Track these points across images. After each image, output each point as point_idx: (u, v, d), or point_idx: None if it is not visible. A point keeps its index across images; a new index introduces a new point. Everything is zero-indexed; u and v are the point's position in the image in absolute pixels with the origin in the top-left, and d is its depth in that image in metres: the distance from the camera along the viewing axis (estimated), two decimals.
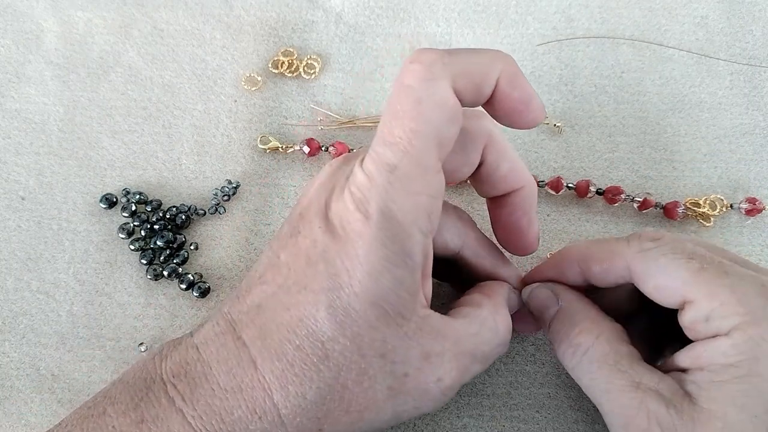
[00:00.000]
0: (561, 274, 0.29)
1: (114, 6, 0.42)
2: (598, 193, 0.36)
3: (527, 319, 0.30)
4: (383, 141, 0.23)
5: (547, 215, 0.37)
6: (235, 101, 0.40)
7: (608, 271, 0.27)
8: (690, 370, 0.25)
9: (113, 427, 0.24)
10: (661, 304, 0.26)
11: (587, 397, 0.32)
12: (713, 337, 0.24)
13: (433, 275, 0.26)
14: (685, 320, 0.25)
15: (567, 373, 0.32)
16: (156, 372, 0.25)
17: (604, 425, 0.31)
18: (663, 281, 0.25)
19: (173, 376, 0.24)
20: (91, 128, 0.39)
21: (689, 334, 0.25)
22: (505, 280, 0.30)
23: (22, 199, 0.37)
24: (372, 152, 0.24)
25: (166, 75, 0.41)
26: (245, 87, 0.40)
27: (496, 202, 0.29)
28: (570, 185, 0.36)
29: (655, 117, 0.39)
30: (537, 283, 0.30)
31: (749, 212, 0.36)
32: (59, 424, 0.25)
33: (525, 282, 0.31)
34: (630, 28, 0.42)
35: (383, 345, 0.24)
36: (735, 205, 0.36)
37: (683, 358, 0.25)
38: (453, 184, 0.37)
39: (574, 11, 0.43)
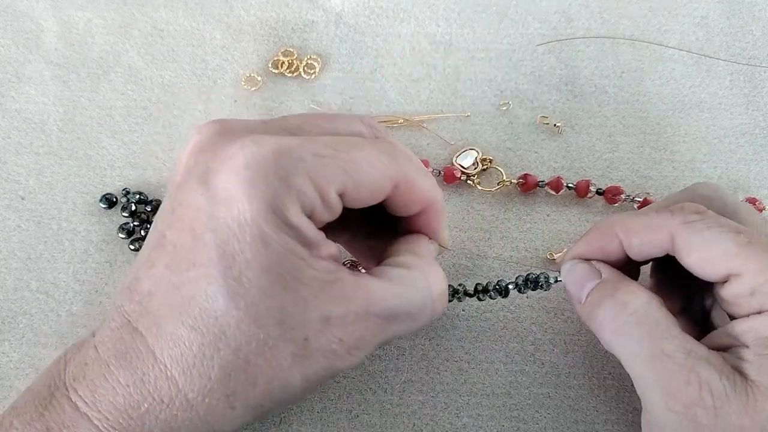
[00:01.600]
0: (600, 246, 0.28)
1: (114, 6, 0.42)
2: (598, 193, 0.36)
3: None
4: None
5: (547, 215, 0.37)
6: (235, 101, 0.40)
7: (650, 242, 0.27)
8: (733, 348, 0.24)
9: None
10: (702, 277, 0.26)
11: (587, 398, 0.32)
12: (758, 313, 0.24)
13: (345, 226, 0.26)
14: (728, 294, 0.25)
15: (566, 373, 0.32)
16: (59, 377, 0.24)
17: (604, 425, 0.31)
18: (708, 253, 0.25)
19: (74, 380, 0.23)
20: (91, 128, 0.39)
21: (729, 309, 0.25)
22: (433, 230, 0.28)
23: (22, 199, 0.37)
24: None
25: (166, 75, 0.41)
26: (245, 87, 0.40)
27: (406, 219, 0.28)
28: (570, 185, 0.36)
29: (655, 117, 0.39)
30: (575, 259, 0.29)
31: None
32: None
33: (562, 261, 0.30)
34: (630, 28, 0.42)
35: (280, 312, 0.22)
36: None
37: (724, 336, 0.25)
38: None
39: (574, 11, 0.43)
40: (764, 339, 0.23)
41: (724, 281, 0.25)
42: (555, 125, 0.39)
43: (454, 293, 0.33)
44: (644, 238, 0.27)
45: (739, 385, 0.23)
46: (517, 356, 0.33)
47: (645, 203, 0.35)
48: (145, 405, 0.23)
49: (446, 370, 0.33)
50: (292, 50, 0.41)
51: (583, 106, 0.40)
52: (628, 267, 0.29)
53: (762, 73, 0.40)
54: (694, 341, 0.25)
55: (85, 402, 0.23)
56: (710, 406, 0.23)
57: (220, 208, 0.22)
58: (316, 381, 0.24)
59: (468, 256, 0.36)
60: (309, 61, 0.41)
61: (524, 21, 0.42)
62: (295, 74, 0.41)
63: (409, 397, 0.32)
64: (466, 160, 0.37)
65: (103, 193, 0.37)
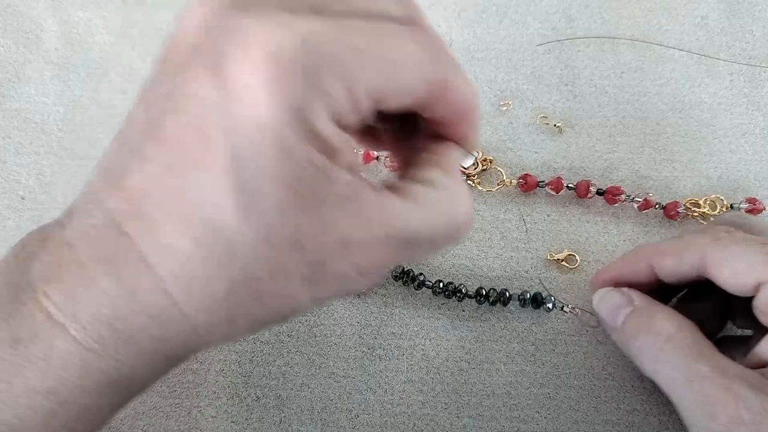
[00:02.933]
0: (632, 270, 0.30)
1: (114, 6, 0.42)
2: (599, 193, 0.36)
3: None
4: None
5: (547, 215, 0.37)
6: None
7: (681, 263, 0.28)
8: None
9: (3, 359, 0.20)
10: (734, 291, 0.27)
11: (587, 397, 0.32)
12: None
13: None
14: (762, 303, 0.26)
15: (567, 373, 0.32)
16: (22, 276, 0.20)
17: (604, 426, 0.31)
18: (737, 266, 0.26)
19: (43, 282, 0.20)
20: (91, 128, 0.39)
21: (763, 319, 0.26)
22: (462, 138, 0.24)
23: (22, 198, 0.37)
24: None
25: None
26: None
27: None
28: (570, 185, 0.36)
29: (655, 117, 0.39)
30: (607, 288, 0.30)
31: (749, 212, 0.36)
32: None
33: (592, 284, 0.32)
34: (630, 28, 0.42)
35: (296, 234, 0.19)
36: (735, 206, 0.36)
37: (760, 353, 0.26)
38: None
39: (574, 11, 0.43)
40: None
41: (756, 292, 0.26)
42: (555, 125, 0.39)
43: (455, 292, 0.33)
44: (676, 258, 0.28)
45: None
46: (517, 356, 0.33)
47: (645, 203, 0.35)
48: (134, 319, 0.20)
49: (446, 370, 0.33)
50: None
51: (583, 106, 0.40)
52: (659, 295, 0.30)
53: (762, 74, 0.40)
54: (729, 361, 0.25)
55: (60, 309, 0.20)
56: (749, 422, 0.23)
57: (235, 105, 0.18)
58: (324, 302, 0.23)
59: (468, 256, 0.36)
60: None
61: (524, 21, 0.42)
62: None
63: (410, 397, 0.32)
64: (467, 161, 0.37)
65: None
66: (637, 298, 0.29)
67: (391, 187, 0.22)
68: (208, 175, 0.19)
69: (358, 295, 0.34)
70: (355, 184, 0.20)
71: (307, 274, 0.20)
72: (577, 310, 0.33)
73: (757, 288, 0.26)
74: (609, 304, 0.30)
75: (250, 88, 0.18)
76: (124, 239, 0.19)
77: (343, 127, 0.20)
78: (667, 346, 0.26)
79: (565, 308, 0.33)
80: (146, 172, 0.19)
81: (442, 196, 0.22)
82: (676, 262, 0.28)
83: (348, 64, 0.19)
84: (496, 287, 0.34)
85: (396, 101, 0.21)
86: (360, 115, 0.20)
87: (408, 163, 0.24)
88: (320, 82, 0.19)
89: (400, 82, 0.20)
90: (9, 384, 0.20)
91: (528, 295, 0.33)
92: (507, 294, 0.33)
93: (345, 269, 0.21)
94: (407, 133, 0.25)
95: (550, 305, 0.33)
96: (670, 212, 0.36)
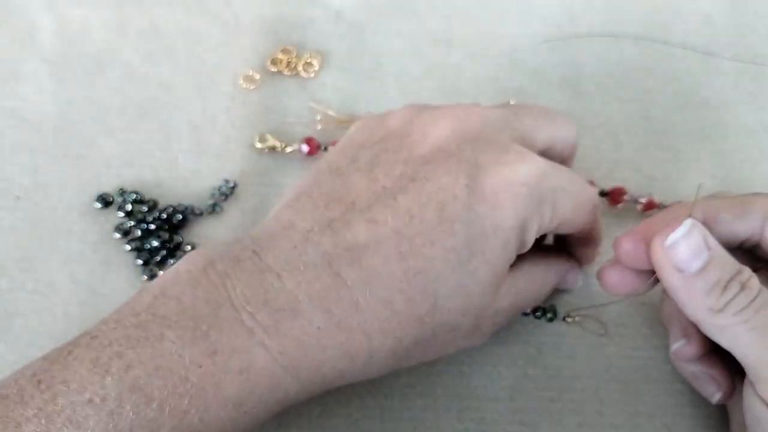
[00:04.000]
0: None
1: (110, 3, 0.42)
2: (602, 193, 0.36)
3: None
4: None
5: None
6: (233, 99, 0.40)
7: (741, 222, 0.25)
8: None
9: (180, 356, 0.21)
10: None
11: (591, 401, 0.31)
12: None
13: None
14: None
15: (570, 376, 0.32)
16: (223, 295, 0.22)
17: (608, 429, 0.31)
18: None
19: (248, 303, 0.22)
20: (87, 126, 0.38)
21: None
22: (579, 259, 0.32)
23: (17, 198, 0.36)
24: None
25: (162, 73, 0.40)
26: (243, 85, 0.40)
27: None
28: None
29: (659, 116, 0.39)
30: (690, 219, 0.25)
31: None
32: (93, 336, 0.22)
33: (619, 243, 0.27)
34: (634, 27, 0.42)
35: (481, 309, 0.25)
36: None
37: None
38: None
39: (577, 9, 0.42)
40: None
41: None
42: None
43: None
44: (736, 216, 0.25)
45: None
46: (520, 360, 0.32)
47: (649, 204, 0.35)
48: (331, 352, 0.22)
49: (447, 374, 0.32)
50: (290, 48, 0.41)
51: (587, 105, 0.39)
52: None
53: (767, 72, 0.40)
54: None
55: (266, 332, 0.22)
56: None
57: (482, 208, 0.23)
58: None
59: None
60: (308, 59, 0.40)
61: (527, 19, 0.42)
62: (293, 72, 0.40)
63: (410, 401, 0.31)
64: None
65: (99, 192, 0.36)
66: (711, 240, 0.24)
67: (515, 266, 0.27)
68: (441, 253, 0.23)
69: None
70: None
71: (466, 333, 0.26)
72: (579, 318, 0.33)
73: None
74: (693, 240, 0.24)
75: (500, 200, 0.23)
76: (339, 281, 0.22)
77: None
78: (758, 300, 0.23)
79: (567, 318, 0.33)
80: (372, 231, 0.23)
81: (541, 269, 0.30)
82: (736, 220, 0.25)
83: (559, 199, 0.25)
84: None
85: (568, 229, 0.28)
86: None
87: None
88: (542, 208, 0.25)
89: (575, 221, 0.27)
90: (202, 390, 0.21)
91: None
92: None
93: (488, 330, 0.27)
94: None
95: (550, 315, 0.33)
96: None
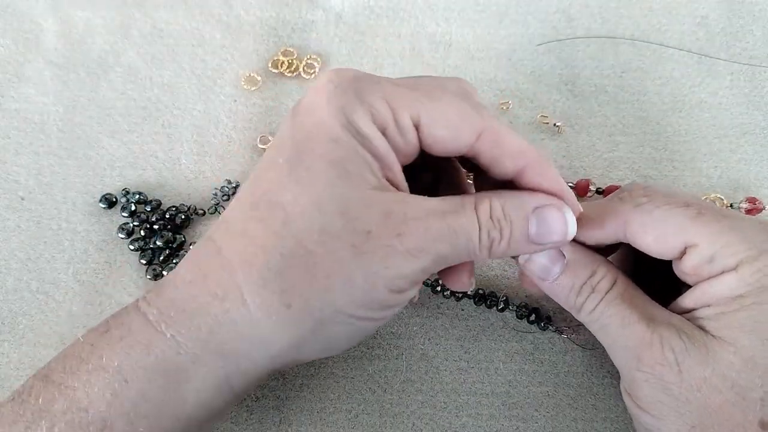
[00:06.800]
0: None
1: (113, 6, 0.42)
2: (598, 192, 0.36)
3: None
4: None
5: None
6: (235, 101, 0.40)
7: (604, 230, 0.27)
8: (696, 310, 0.25)
9: (90, 344, 0.24)
10: (659, 256, 0.26)
11: (586, 395, 0.32)
12: (718, 275, 0.24)
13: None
14: (687, 266, 0.25)
15: (566, 372, 0.32)
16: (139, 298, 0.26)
17: (603, 423, 0.31)
18: (662, 230, 0.26)
19: (147, 292, 0.26)
20: (91, 128, 0.39)
21: (690, 280, 0.26)
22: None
23: (22, 199, 0.37)
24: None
25: (165, 75, 0.41)
26: (245, 87, 0.40)
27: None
28: (570, 184, 0.36)
29: (655, 117, 0.39)
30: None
31: (749, 212, 0.36)
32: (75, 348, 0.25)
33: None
34: (630, 28, 0.42)
35: (343, 202, 0.23)
36: (735, 205, 0.36)
37: (687, 300, 0.26)
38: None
39: (574, 11, 0.43)
40: (724, 299, 0.24)
41: (682, 255, 0.25)
42: (555, 125, 0.39)
43: (454, 292, 0.33)
44: (598, 225, 0.27)
45: (698, 340, 0.24)
46: (516, 355, 0.33)
47: None
48: (200, 299, 0.24)
49: (445, 370, 0.33)
50: (291, 50, 0.41)
51: (583, 105, 0.40)
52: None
53: (762, 73, 0.40)
54: (657, 307, 0.26)
55: (147, 302, 0.25)
56: (673, 362, 0.24)
57: (302, 117, 0.24)
58: (377, 284, 0.24)
59: None
60: (309, 61, 0.41)
61: (524, 21, 0.42)
62: (294, 74, 0.41)
63: (409, 396, 0.32)
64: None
65: (103, 193, 0.37)
66: (568, 248, 0.27)
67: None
68: (277, 168, 0.24)
69: None
70: (398, 192, 0.24)
71: (354, 242, 0.23)
72: (572, 331, 0.33)
73: (683, 251, 0.25)
74: (536, 264, 0.28)
75: (312, 102, 0.24)
76: (209, 242, 0.25)
77: (396, 147, 0.24)
78: (607, 297, 0.26)
79: (563, 333, 0.33)
80: (238, 194, 0.25)
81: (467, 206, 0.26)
82: (598, 230, 0.27)
83: (391, 91, 0.24)
84: (495, 290, 0.34)
85: (441, 137, 0.25)
86: (405, 135, 0.24)
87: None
88: (365, 97, 0.24)
89: (440, 116, 0.25)
90: (87, 364, 0.24)
91: (528, 310, 0.33)
92: (507, 301, 0.33)
93: (390, 238, 0.23)
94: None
95: (542, 323, 0.33)
96: None
